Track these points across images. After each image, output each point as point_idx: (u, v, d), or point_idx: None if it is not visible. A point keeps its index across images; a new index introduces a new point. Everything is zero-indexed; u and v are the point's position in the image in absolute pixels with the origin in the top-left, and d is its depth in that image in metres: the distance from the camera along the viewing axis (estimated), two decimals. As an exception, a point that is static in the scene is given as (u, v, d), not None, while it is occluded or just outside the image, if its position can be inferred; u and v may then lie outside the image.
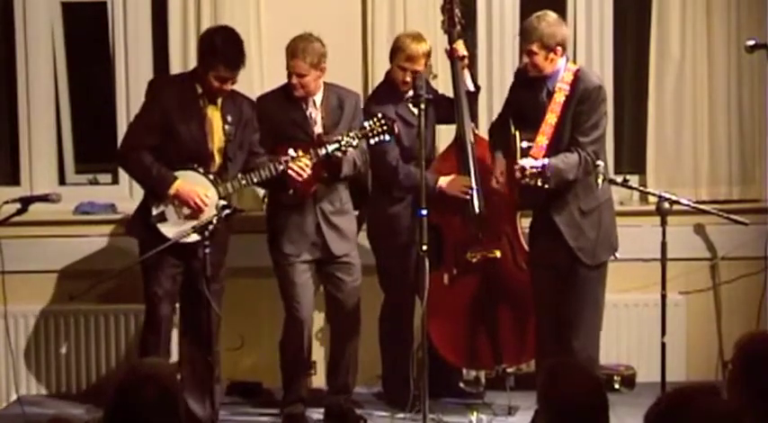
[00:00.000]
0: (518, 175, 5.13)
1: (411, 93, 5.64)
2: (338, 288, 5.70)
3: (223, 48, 5.25)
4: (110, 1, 6.41)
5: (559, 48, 5.28)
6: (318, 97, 5.61)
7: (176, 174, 5.30)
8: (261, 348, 6.24)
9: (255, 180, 5.37)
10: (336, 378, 5.78)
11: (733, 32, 6.30)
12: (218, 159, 5.39)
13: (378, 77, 6.17)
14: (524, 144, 5.22)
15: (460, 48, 5.88)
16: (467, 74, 5.91)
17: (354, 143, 5.44)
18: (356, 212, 5.89)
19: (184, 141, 5.31)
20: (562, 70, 5.31)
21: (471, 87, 5.91)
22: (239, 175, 5.35)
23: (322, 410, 5.81)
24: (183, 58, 6.20)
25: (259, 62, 6.27)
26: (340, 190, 5.69)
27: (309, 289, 5.68)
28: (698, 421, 2.69)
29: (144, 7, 6.39)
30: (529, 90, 5.37)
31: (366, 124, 5.49)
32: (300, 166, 5.37)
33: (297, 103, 5.59)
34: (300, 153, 5.40)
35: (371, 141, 5.51)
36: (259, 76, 6.22)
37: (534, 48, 5.24)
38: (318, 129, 5.59)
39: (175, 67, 6.21)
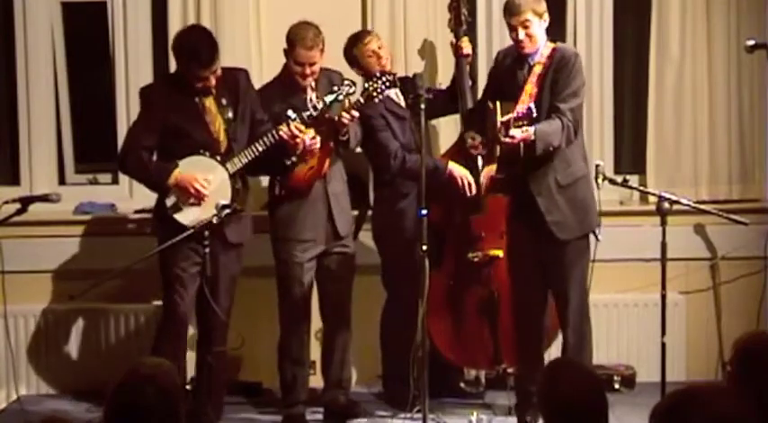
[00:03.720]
0: (504, 137, 5.03)
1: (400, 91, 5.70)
2: (333, 281, 5.70)
3: (192, 49, 5.25)
4: (110, 1, 6.41)
5: (546, 16, 5.29)
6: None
7: (182, 161, 5.29)
8: (261, 348, 6.24)
9: (260, 149, 5.33)
10: (331, 373, 5.78)
11: (733, 32, 6.30)
12: (225, 145, 5.38)
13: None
14: (505, 118, 5.07)
15: (465, 46, 5.91)
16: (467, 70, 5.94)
17: (351, 90, 5.41)
18: (355, 213, 5.90)
19: (189, 135, 5.31)
20: (542, 47, 5.31)
21: (469, 83, 5.94)
22: (244, 149, 5.34)
23: (321, 410, 5.81)
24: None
25: (259, 61, 6.27)
26: (340, 168, 5.72)
27: (311, 287, 5.69)
28: (705, 420, 2.68)
29: (144, 7, 6.39)
30: (508, 69, 5.36)
31: (366, 85, 5.50)
32: (293, 130, 5.33)
33: (295, 91, 5.60)
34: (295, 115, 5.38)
35: (377, 100, 5.49)
36: (259, 76, 6.21)
37: (529, 16, 5.21)
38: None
39: (175, 68, 6.20)
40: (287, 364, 5.71)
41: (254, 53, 6.27)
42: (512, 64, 5.35)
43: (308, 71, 5.53)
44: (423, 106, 5.29)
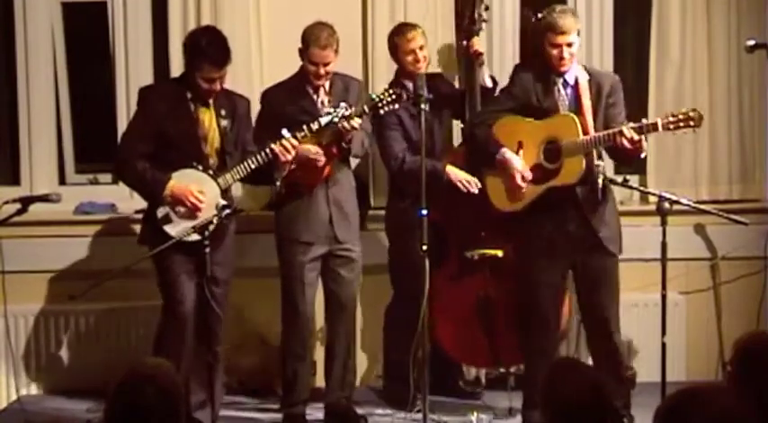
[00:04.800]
0: (629, 143, 5.15)
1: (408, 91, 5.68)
2: (338, 284, 5.70)
3: (206, 48, 5.25)
4: (110, 1, 6.41)
5: None
6: (326, 83, 5.64)
7: (175, 173, 5.30)
8: (261, 348, 6.24)
9: (253, 166, 5.34)
10: (333, 375, 5.77)
11: (733, 32, 6.30)
12: (215, 159, 5.39)
13: (379, 75, 6.19)
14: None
15: (477, 45, 5.88)
16: (484, 70, 5.91)
17: (347, 113, 5.40)
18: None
19: (179, 147, 5.31)
20: (574, 63, 5.38)
21: (489, 83, 5.91)
22: (236, 166, 5.35)
23: (322, 411, 5.81)
24: (183, 58, 6.19)
25: (259, 62, 6.27)
26: (348, 174, 5.72)
27: (314, 288, 5.68)
28: (707, 420, 2.69)
29: (144, 7, 6.39)
30: (536, 86, 5.38)
31: (374, 96, 5.50)
32: (285, 145, 5.35)
33: (305, 92, 5.60)
34: (289, 135, 5.38)
35: (382, 111, 5.49)
36: (259, 75, 6.22)
37: (574, 36, 5.30)
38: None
39: (175, 68, 6.20)
40: (288, 364, 5.70)
41: (255, 53, 6.26)
42: (542, 79, 5.37)
43: (321, 71, 5.54)
44: (423, 106, 5.29)
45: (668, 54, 6.34)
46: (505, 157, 5.44)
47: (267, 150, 5.35)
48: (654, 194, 5.45)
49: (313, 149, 5.47)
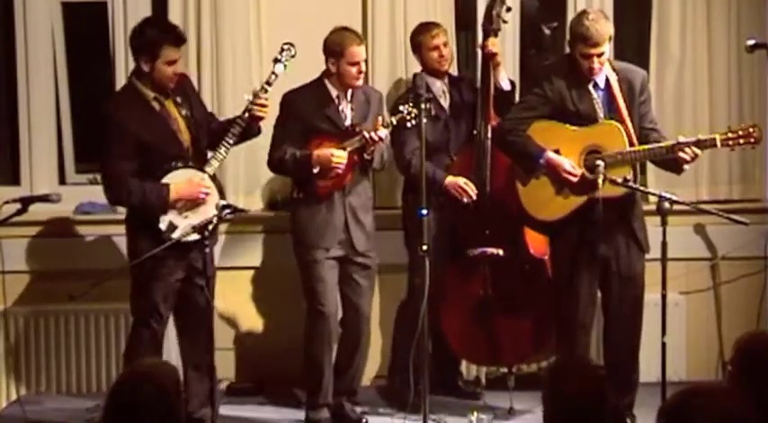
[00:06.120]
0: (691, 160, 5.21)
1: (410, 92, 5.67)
2: (355, 291, 5.69)
3: (161, 32, 5.27)
4: (110, 1, 6.41)
5: None
6: (348, 92, 5.64)
7: (163, 180, 5.28)
8: (261, 348, 6.23)
9: (232, 142, 5.37)
10: (343, 380, 5.76)
11: (733, 32, 6.30)
12: (192, 150, 5.39)
13: (378, 76, 6.19)
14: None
15: (491, 45, 5.84)
16: (501, 73, 5.87)
17: (293, 53, 5.49)
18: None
19: (159, 149, 5.30)
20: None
21: (507, 86, 5.87)
22: (217, 148, 5.35)
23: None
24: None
25: (259, 63, 6.26)
26: (366, 184, 5.72)
27: (335, 286, 5.66)
28: (709, 420, 2.69)
29: (144, 7, 6.39)
30: (570, 85, 5.32)
31: (402, 108, 5.50)
32: (260, 102, 5.38)
33: (328, 98, 5.61)
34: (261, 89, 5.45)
35: (408, 125, 5.50)
36: (259, 76, 6.21)
37: (607, 48, 5.23)
38: (348, 122, 5.61)
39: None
40: (314, 364, 5.64)
41: (255, 53, 6.26)
42: (574, 82, 5.31)
43: (362, 68, 5.57)
44: (423, 106, 5.28)
45: (668, 53, 6.34)
46: (551, 159, 5.32)
47: (239, 121, 5.36)
48: (654, 194, 5.44)
49: (337, 153, 5.47)
